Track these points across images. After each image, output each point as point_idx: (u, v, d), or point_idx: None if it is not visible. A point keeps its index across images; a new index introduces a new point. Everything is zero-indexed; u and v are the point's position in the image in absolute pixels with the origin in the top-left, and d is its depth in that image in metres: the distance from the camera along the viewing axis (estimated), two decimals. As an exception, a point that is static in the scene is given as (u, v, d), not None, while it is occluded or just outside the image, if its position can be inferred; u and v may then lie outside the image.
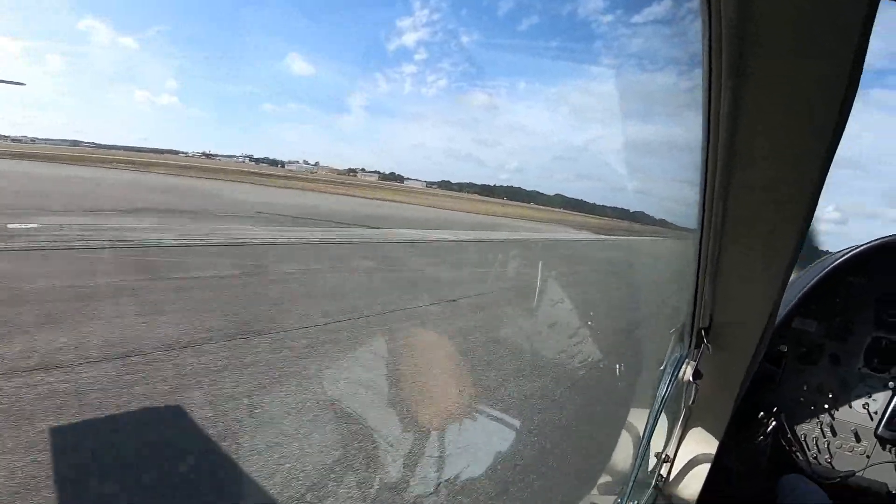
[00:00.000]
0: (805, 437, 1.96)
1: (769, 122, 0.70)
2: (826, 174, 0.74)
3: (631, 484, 1.18)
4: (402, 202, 29.26)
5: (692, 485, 1.40)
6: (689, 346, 1.16)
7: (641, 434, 1.26)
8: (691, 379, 1.16)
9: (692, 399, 1.26)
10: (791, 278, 1.65)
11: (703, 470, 1.42)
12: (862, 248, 2.00)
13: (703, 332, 1.12)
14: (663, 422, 1.39)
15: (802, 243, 0.88)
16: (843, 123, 0.67)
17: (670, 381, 1.17)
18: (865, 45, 0.59)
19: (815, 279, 2.01)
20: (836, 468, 1.89)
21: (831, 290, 2.01)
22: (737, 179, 0.81)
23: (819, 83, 0.63)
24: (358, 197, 28.54)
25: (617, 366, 4.66)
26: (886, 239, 1.98)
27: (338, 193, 29.06)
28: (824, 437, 1.94)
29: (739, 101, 0.69)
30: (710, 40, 0.67)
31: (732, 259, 0.96)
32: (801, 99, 0.66)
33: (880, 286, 1.97)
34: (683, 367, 1.17)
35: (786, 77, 0.64)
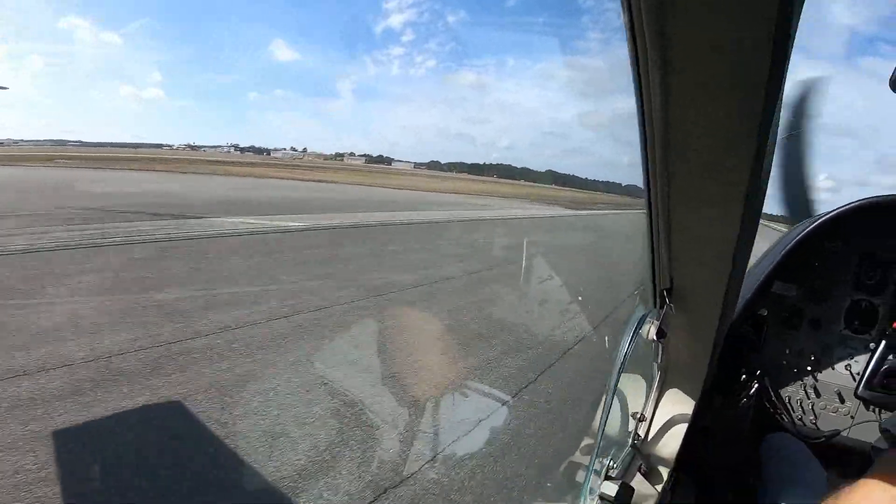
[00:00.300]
0: (789, 400, 1.98)
1: (699, 92, 0.69)
2: (766, 138, 0.73)
3: (599, 441, 1.19)
4: (351, 184, 28.67)
5: (670, 444, 1.42)
6: (654, 307, 1.16)
7: (614, 396, 1.23)
8: (655, 338, 1.14)
9: (659, 358, 1.32)
10: (772, 242, 2.17)
11: (680, 430, 1.43)
12: (838, 210, 1.98)
13: (665, 292, 1.11)
14: (638, 383, 1.42)
15: (753, 211, 0.87)
16: (777, 87, 0.66)
17: (631, 339, 1.16)
18: (791, 10, 0.58)
19: (793, 243, 2.02)
20: (821, 429, 1.90)
21: (810, 254, 2.02)
22: (675, 152, 0.79)
23: (744, 50, 0.62)
24: (306, 181, 27.59)
25: (592, 335, 4.93)
26: (862, 201, 1.96)
27: (290, 178, 28.24)
28: (808, 399, 1.96)
29: (668, 75, 0.67)
30: (629, 12, 0.64)
31: (682, 226, 0.95)
32: (728, 67, 0.64)
33: (858, 248, 1.97)
34: (647, 326, 1.15)
35: (710, 46, 0.62)
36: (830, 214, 2.00)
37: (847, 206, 1.97)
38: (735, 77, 0.64)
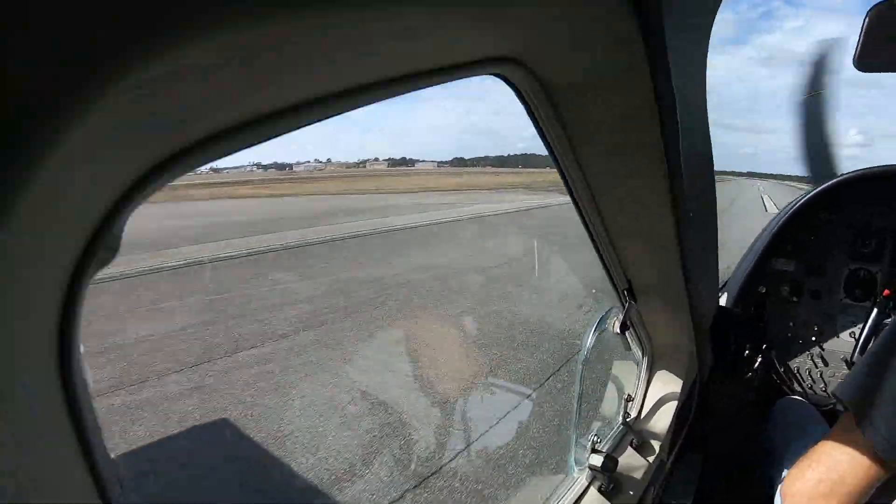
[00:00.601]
0: (798, 370, 2.09)
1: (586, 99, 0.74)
2: (673, 125, 0.76)
3: (577, 421, 1.30)
4: (317, 194, 27.38)
5: (662, 420, 1.56)
6: (620, 303, 1.28)
7: (581, 383, 1.34)
8: (619, 331, 1.28)
9: (633, 346, 1.48)
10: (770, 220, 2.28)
11: (671, 407, 1.57)
12: (829, 183, 2.08)
13: (625, 292, 1.24)
14: (628, 367, 1.58)
15: (692, 195, 0.94)
16: (665, 76, 0.68)
17: (593, 333, 1.28)
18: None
19: (785, 218, 2.12)
20: (832, 396, 1.97)
21: (804, 228, 2.11)
22: (585, 161, 0.87)
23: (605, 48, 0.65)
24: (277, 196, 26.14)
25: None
26: (853, 173, 2.06)
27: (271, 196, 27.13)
28: (816, 368, 2.07)
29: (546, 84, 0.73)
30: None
31: (618, 229, 1.04)
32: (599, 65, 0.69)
33: (851, 219, 2.06)
34: (612, 321, 1.29)
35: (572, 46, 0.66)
36: (822, 188, 2.10)
37: (839, 179, 2.08)
38: (609, 78, 0.70)
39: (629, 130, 0.78)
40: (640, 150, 0.82)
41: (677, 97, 0.74)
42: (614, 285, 1.24)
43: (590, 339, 1.26)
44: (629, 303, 1.24)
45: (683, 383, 1.59)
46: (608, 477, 1.32)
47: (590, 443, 1.31)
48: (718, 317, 1.75)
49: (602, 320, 1.28)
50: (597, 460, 1.29)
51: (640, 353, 1.54)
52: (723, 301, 2.14)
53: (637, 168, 0.86)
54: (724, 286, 2.26)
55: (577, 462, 1.30)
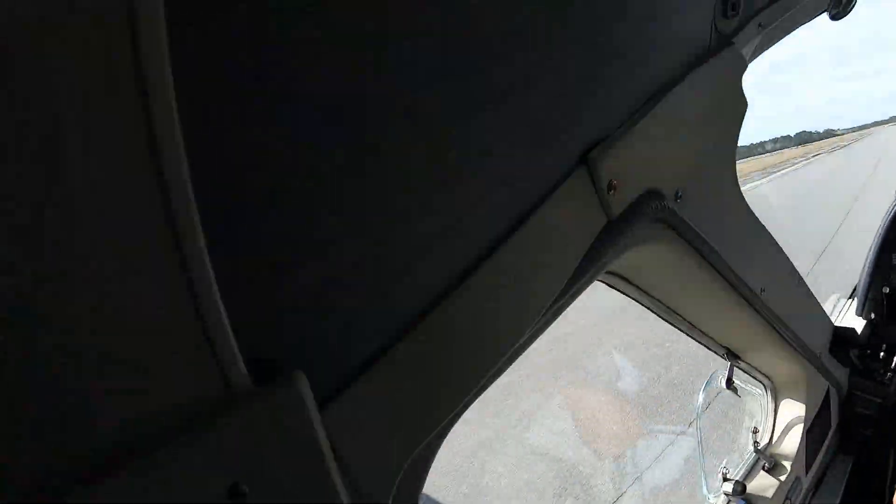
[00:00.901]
0: None
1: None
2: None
3: (702, 456, 1.65)
4: None
5: (792, 441, 1.74)
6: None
7: (699, 426, 1.70)
8: (725, 386, 1.57)
9: (740, 394, 1.68)
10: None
11: (800, 429, 1.75)
12: None
13: (726, 354, 1.52)
14: (753, 406, 1.79)
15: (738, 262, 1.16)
16: None
17: (704, 389, 1.62)
18: None
19: (892, 216, 2.21)
20: None
21: None
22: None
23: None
24: None
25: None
26: None
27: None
28: None
29: None
30: None
31: (687, 314, 1.33)
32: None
33: None
34: (719, 379, 1.60)
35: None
36: None
37: None
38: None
39: (680, 269, 1.10)
40: (695, 271, 1.10)
41: (710, 217, 1.03)
42: (715, 352, 1.55)
43: (701, 399, 1.60)
44: (730, 363, 1.54)
45: (809, 405, 1.77)
46: (741, 499, 1.62)
47: (720, 473, 1.64)
48: (836, 337, 1.92)
49: (708, 383, 1.61)
50: (727, 487, 1.61)
51: (760, 391, 1.80)
52: (852, 309, 2.23)
53: (699, 281, 1.13)
54: (853, 292, 2.33)
55: (711, 490, 1.65)
